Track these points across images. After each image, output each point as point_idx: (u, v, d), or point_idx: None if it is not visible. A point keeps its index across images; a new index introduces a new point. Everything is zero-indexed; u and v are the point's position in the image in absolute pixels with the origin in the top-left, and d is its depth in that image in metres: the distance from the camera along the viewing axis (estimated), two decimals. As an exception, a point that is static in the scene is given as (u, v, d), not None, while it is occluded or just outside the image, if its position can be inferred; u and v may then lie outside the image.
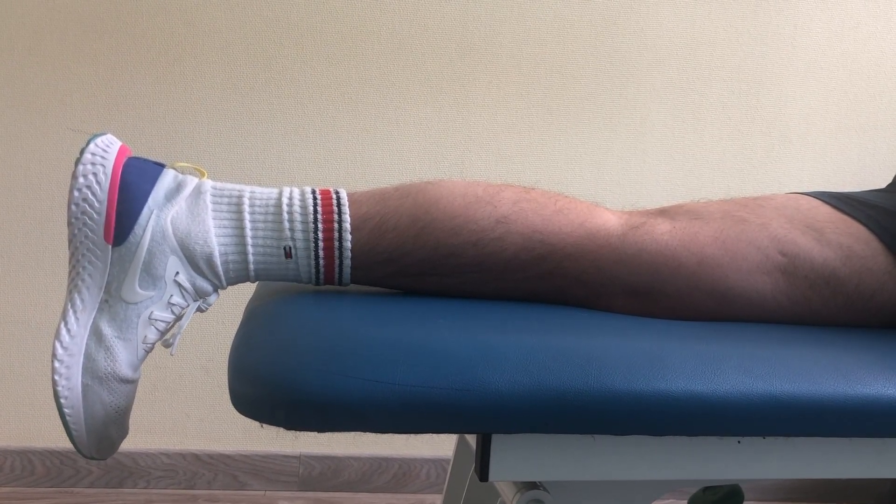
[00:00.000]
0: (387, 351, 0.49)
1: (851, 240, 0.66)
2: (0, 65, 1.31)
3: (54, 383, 0.63)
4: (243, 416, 1.49)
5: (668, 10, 1.44)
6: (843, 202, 0.70)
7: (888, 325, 0.68)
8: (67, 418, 0.64)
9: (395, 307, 0.61)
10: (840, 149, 1.51)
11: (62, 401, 0.63)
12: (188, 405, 1.41)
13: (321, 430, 0.48)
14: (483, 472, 0.51)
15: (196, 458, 1.41)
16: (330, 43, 1.37)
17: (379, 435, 1.48)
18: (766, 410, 0.51)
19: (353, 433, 1.45)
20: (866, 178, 1.52)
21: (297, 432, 1.47)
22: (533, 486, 0.54)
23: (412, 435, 1.48)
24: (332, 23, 1.37)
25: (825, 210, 0.69)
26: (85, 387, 0.64)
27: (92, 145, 0.64)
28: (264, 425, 0.49)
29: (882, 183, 1.53)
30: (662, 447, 0.53)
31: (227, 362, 0.74)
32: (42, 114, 1.33)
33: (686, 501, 1.19)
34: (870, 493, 1.58)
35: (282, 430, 1.53)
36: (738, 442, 0.54)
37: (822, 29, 1.48)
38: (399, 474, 1.46)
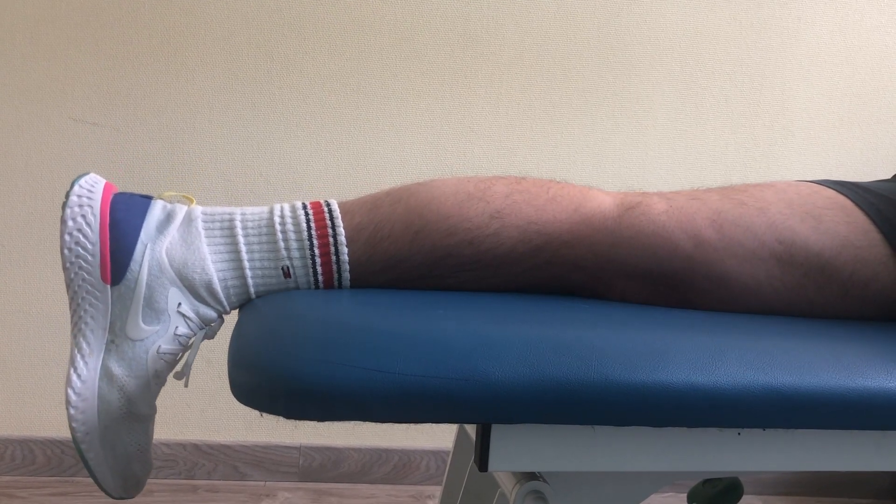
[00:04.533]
0: (387, 340, 0.49)
1: (849, 229, 0.66)
2: (1, 54, 1.31)
3: (72, 430, 0.62)
4: (244, 407, 1.49)
5: (671, 2, 1.43)
6: (846, 187, 0.70)
7: (883, 312, 0.68)
8: (90, 462, 0.63)
9: (394, 298, 0.61)
10: (843, 143, 1.51)
11: (83, 446, 0.63)
12: (189, 395, 1.41)
13: (321, 419, 0.48)
14: (482, 463, 0.51)
15: (196, 448, 1.41)
16: (332, 34, 1.37)
17: (379, 426, 1.48)
18: (767, 402, 0.50)
19: (352, 424, 1.45)
20: (869, 173, 1.52)
21: (297, 423, 1.47)
22: (532, 476, 0.54)
23: (412, 426, 1.48)
24: (334, 14, 1.37)
25: (826, 194, 0.68)
26: (103, 429, 0.63)
27: (76, 187, 0.63)
28: (264, 414, 0.49)
29: (886, 177, 1.52)
30: (662, 438, 0.53)
31: (227, 353, 0.74)
32: (43, 104, 1.33)
33: (685, 495, 1.20)
34: (870, 488, 1.58)
35: (282, 419, 1.54)
36: (739, 434, 0.54)
37: (826, 22, 1.48)
38: (399, 466, 1.46)
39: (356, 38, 1.37)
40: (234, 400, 1.43)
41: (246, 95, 1.36)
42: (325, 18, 1.36)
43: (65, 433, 1.39)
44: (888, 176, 1.52)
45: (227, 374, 1.51)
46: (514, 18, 1.40)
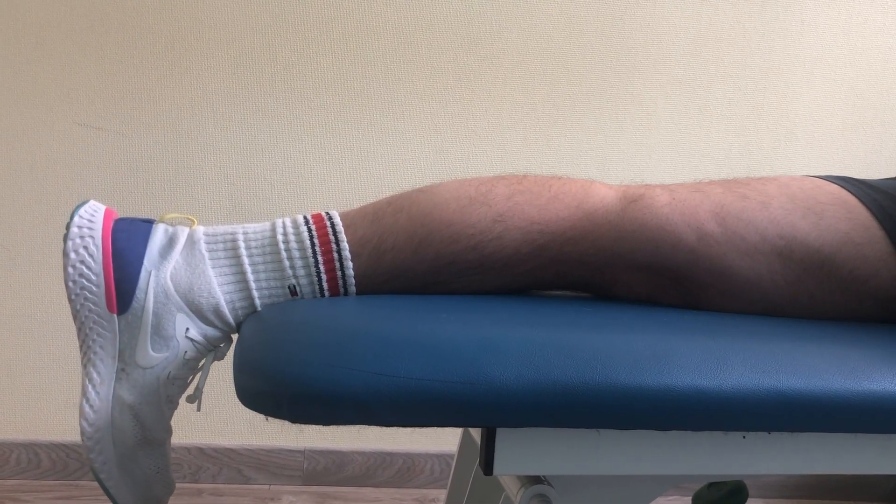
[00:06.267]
0: (391, 344, 0.49)
1: (850, 225, 0.65)
2: (6, 59, 1.32)
3: (90, 461, 0.62)
4: (248, 411, 1.49)
5: (675, 5, 1.44)
6: (850, 183, 0.69)
7: (882, 308, 0.67)
8: (111, 490, 0.63)
9: (398, 302, 0.61)
10: (846, 145, 1.50)
11: (102, 476, 0.63)
12: (193, 399, 1.42)
13: (326, 423, 0.48)
14: (488, 466, 0.51)
15: (201, 451, 1.41)
16: (335, 38, 1.37)
17: (383, 429, 1.48)
18: (772, 406, 0.50)
19: (357, 427, 1.45)
20: (873, 175, 1.51)
21: (302, 426, 1.47)
22: (537, 480, 0.54)
23: (416, 429, 1.48)
24: (338, 18, 1.37)
25: (829, 189, 0.68)
26: (120, 457, 0.63)
27: (77, 217, 0.63)
28: (269, 418, 0.49)
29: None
30: (667, 442, 0.53)
31: (232, 356, 0.74)
32: (48, 108, 1.33)
33: (690, 498, 1.19)
34: (874, 491, 1.58)
35: (286, 423, 1.54)
36: (744, 437, 0.54)
37: (830, 25, 1.48)
38: (403, 469, 1.46)
39: (359, 42, 1.38)
40: (238, 403, 1.43)
41: (250, 99, 1.37)
42: (328, 22, 1.37)
43: (69, 437, 1.39)
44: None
45: (231, 377, 1.51)
46: (517, 22, 1.40)
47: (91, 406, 0.62)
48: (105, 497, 1.34)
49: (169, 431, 0.66)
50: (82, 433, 0.62)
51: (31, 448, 1.38)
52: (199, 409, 0.68)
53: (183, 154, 1.36)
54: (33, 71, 1.32)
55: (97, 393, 0.62)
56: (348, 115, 1.39)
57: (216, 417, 1.42)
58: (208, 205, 1.37)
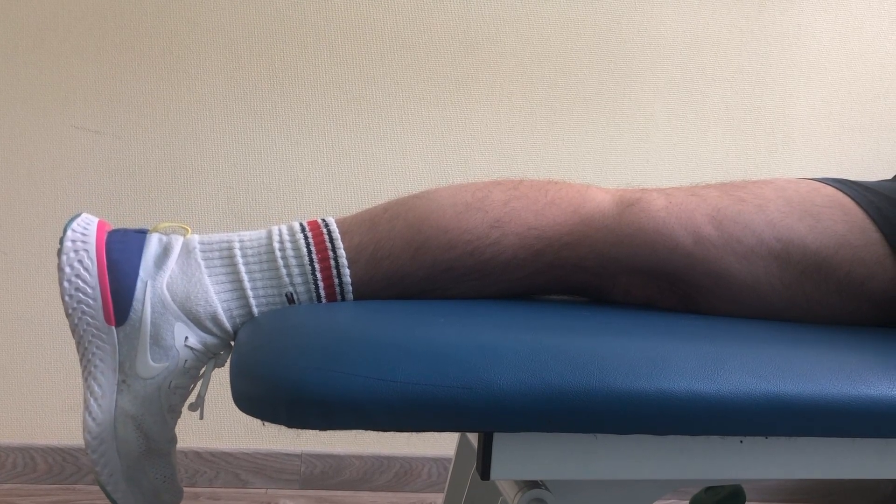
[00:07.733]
0: (388, 349, 0.49)
1: (847, 227, 0.65)
2: (3, 62, 1.32)
3: (96, 474, 0.62)
4: (245, 415, 1.49)
5: (672, 9, 1.44)
6: (846, 185, 0.69)
7: (880, 310, 0.67)
8: (119, 501, 0.63)
9: (395, 306, 0.61)
10: (844, 149, 1.51)
11: (108, 488, 0.63)
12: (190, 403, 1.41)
13: (323, 428, 0.48)
14: (485, 471, 0.51)
15: (198, 455, 1.41)
16: (333, 42, 1.37)
17: (380, 434, 1.47)
18: (769, 410, 0.50)
19: (354, 432, 1.45)
20: (870, 179, 1.52)
21: (299, 430, 1.47)
22: (535, 484, 0.54)
23: (414, 434, 1.48)
24: (336, 21, 1.37)
25: (826, 192, 0.68)
26: (126, 468, 0.63)
27: (69, 231, 0.62)
28: (266, 423, 0.49)
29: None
30: (664, 447, 0.53)
31: (229, 361, 0.74)
32: (45, 111, 1.33)
33: (688, 502, 1.19)
34: (872, 495, 1.58)
35: (283, 428, 1.53)
36: (741, 442, 0.54)
37: (827, 29, 1.48)
38: (400, 473, 1.46)
39: (357, 46, 1.38)
40: (236, 407, 1.42)
41: (247, 103, 1.36)
42: (327, 26, 1.37)
43: (66, 441, 1.39)
44: (889, 182, 1.52)
45: (228, 381, 1.51)
46: (515, 26, 1.41)
47: (94, 419, 0.61)
48: (102, 501, 1.33)
49: (173, 440, 0.65)
50: (87, 446, 0.62)
51: (27, 452, 1.38)
52: (201, 418, 0.68)
53: (180, 157, 1.36)
54: (30, 74, 1.32)
55: (99, 405, 0.62)
56: (346, 119, 1.39)
57: (213, 421, 1.42)
58: (205, 208, 1.37)
